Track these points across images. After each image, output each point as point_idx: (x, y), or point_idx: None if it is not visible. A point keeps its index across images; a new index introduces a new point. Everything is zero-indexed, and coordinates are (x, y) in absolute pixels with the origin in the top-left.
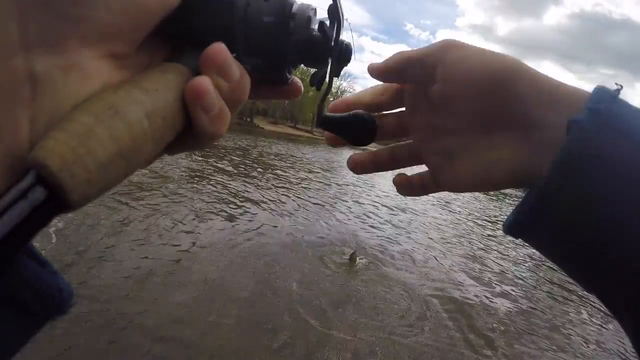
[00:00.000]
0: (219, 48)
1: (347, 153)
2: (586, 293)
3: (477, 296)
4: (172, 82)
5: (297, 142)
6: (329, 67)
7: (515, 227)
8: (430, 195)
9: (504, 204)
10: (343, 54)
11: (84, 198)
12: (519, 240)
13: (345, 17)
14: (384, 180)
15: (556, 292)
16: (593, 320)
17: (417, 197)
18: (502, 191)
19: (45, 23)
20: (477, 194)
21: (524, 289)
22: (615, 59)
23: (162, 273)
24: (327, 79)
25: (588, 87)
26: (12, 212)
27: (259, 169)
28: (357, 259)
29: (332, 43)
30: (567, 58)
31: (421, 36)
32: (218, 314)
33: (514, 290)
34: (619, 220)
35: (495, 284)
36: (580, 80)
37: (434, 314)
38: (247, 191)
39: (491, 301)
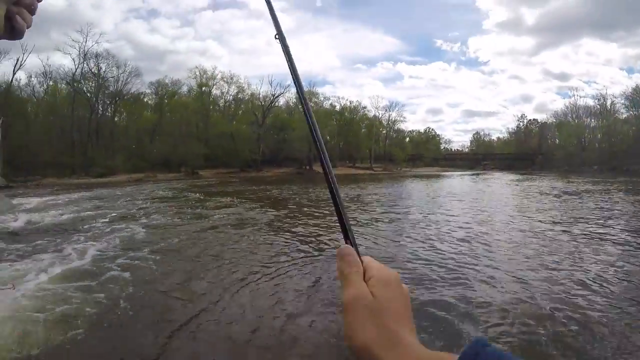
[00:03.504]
0: None
1: (409, 184)
2: None
3: None
4: None
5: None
6: None
7: None
8: None
9: None
10: None
11: None
12: None
13: None
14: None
15: None
16: None
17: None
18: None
19: None
20: None
21: None
22: None
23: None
24: None
25: (635, 52)
26: None
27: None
28: None
29: None
30: (604, 29)
31: (453, 49)
32: None
33: None
34: None
35: None
36: (624, 47)
37: None
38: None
39: None
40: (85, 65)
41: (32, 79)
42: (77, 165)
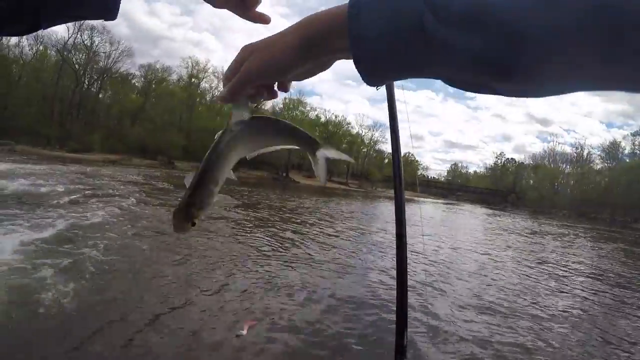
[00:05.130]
0: None
1: (383, 205)
2: None
3: None
4: None
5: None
6: None
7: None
8: None
9: None
10: None
11: None
12: None
13: None
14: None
15: None
16: None
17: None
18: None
19: None
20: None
21: None
22: None
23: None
24: None
25: (616, 108)
26: None
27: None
28: None
29: None
30: None
31: None
32: None
33: None
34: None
35: None
36: (606, 102)
37: None
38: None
39: None
40: (79, 35)
41: (23, 40)
42: (52, 136)
